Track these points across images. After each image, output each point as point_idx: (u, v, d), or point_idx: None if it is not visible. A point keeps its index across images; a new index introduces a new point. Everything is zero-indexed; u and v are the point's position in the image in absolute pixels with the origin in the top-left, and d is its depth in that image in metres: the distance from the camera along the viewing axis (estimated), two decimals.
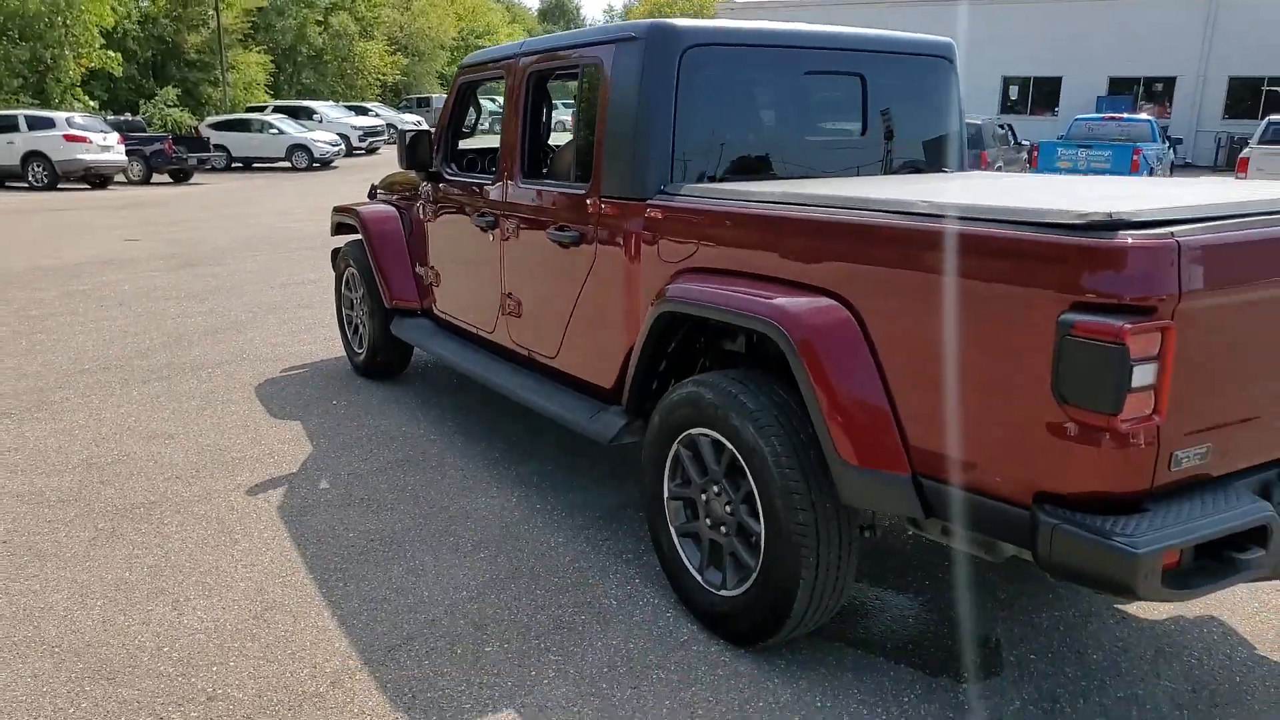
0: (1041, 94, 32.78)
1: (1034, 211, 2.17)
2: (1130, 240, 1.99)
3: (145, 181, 24.24)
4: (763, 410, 2.79)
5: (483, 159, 5.09)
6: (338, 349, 6.49)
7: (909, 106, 3.95)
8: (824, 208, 2.72)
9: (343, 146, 30.58)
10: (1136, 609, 3.30)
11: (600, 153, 3.55)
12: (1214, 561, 2.16)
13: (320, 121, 32.77)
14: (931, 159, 4.05)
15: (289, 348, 6.77)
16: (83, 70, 28.92)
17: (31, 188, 21.73)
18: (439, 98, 45.58)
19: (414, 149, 4.80)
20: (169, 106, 33.41)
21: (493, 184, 4.35)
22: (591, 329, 3.74)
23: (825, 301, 2.62)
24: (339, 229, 6.04)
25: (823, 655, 3.00)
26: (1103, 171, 18.28)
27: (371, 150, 34.23)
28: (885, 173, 3.90)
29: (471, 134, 5.13)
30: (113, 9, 29.03)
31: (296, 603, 3.29)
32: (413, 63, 51.58)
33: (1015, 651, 3.03)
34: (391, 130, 38.27)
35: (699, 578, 3.11)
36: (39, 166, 21.99)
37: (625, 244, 3.46)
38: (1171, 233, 2.02)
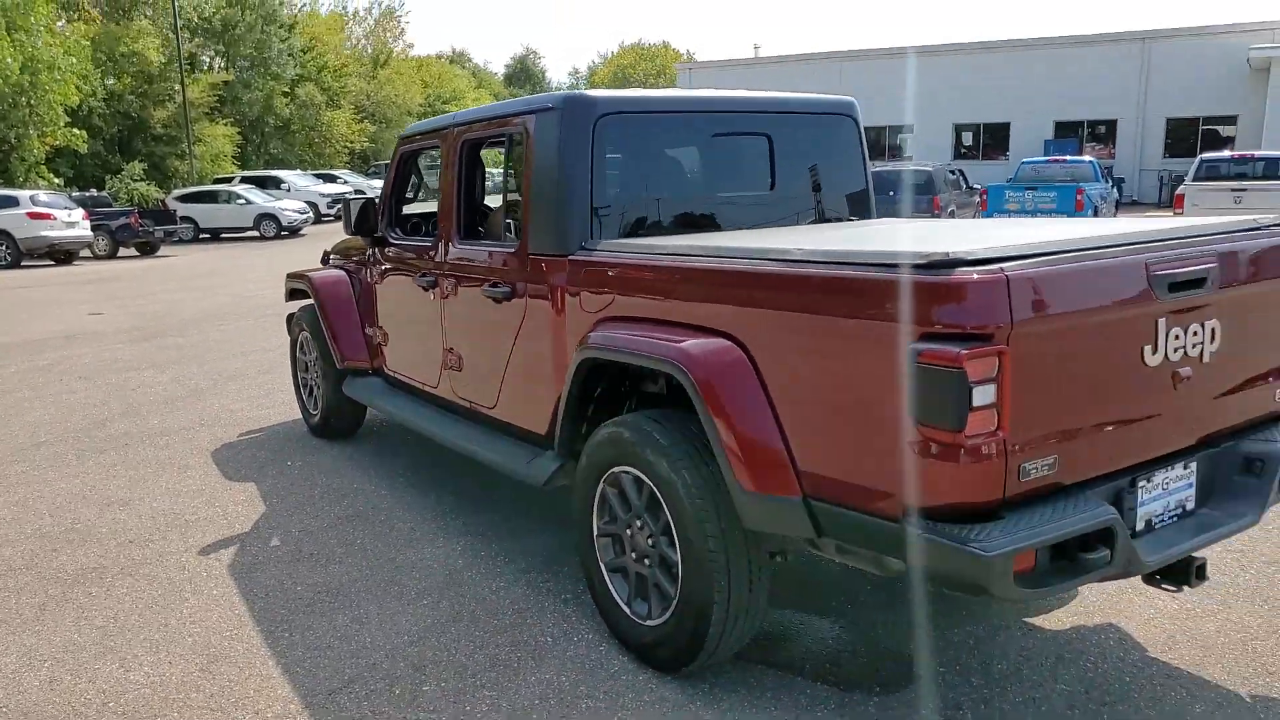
0: (993, 139, 33.74)
1: (887, 254, 2.41)
2: (965, 276, 2.23)
3: (112, 256, 24.34)
4: (674, 445, 2.98)
5: (425, 223, 5.32)
6: (295, 412, 6.64)
7: (815, 162, 4.23)
8: (716, 257, 2.95)
9: (311, 214, 30.89)
10: (1042, 621, 3.50)
11: (527, 213, 3.79)
12: (1066, 562, 2.37)
13: (288, 190, 33.11)
14: (839, 209, 4.32)
15: (248, 413, 6.91)
16: (47, 148, 29.12)
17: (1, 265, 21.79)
18: None
19: (358, 216, 5.02)
20: (135, 181, 33.65)
21: (432, 246, 4.58)
22: (525, 379, 3.94)
23: (720, 343, 2.84)
24: (293, 294, 6.22)
25: (744, 677, 3.16)
26: (1049, 212, 18.84)
27: (340, 216, 34.56)
28: (794, 224, 4.15)
29: (414, 200, 5.36)
30: (77, 87, 29.32)
31: (243, 654, 3.41)
32: (380, 129, 52.22)
33: (925, 666, 3.21)
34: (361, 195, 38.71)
35: (627, 610, 3.27)
36: (2, 244, 22.06)
37: (551, 297, 3.68)
38: (1002, 268, 2.25)
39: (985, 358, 2.21)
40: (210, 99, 38.57)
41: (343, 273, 5.81)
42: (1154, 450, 2.68)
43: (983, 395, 2.21)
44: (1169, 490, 2.73)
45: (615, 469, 3.23)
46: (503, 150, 4.33)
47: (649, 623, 3.17)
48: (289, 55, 43.67)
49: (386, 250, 5.15)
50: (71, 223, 22.80)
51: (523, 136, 3.84)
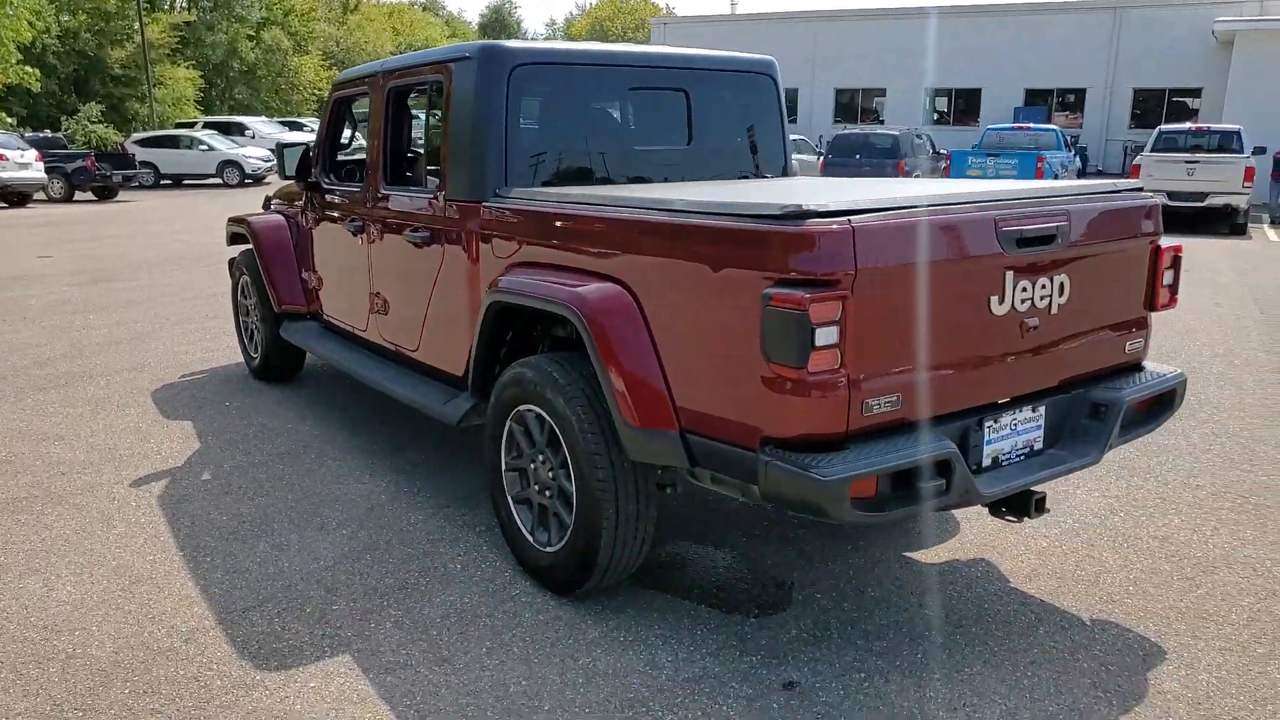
0: (966, 105, 33.91)
1: (750, 205, 2.59)
2: (814, 227, 2.42)
3: (67, 199, 23.99)
4: (571, 384, 3.17)
5: (359, 169, 5.43)
6: (239, 356, 6.75)
7: (732, 119, 4.39)
8: (607, 206, 3.12)
9: (273, 161, 30.54)
10: (920, 555, 3.76)
11: (445, 160, 3.93)
12: (905, 490, 2.60)
13: (252, 137, 32.62)
14: (754, 166, 4.49)
15: (191, 356, 7.01)
16: (2, 85, 28.51)
17: None
18: None
19: (291, 161, 5.12)
20: (93, 123, 32.99)
21: (360, 192, 4.70)
22: (444, 322, 4.10)
23: (611, 288, 3.02)
24: (234, 239, 6.31)
25: (634, 601, 3.39)
26: (1008, 178, 19.10)
27: None
28: (709, 178, 4.32)
29: (348, 146, 5.45)
30: (30, 24, 28.66)
31: (163, 576, 3.59)
32: None
33: (804, 592, 3.45)
34: None
35: (530, 538, 3.48)
36: None
37: (466, 243, 3.83)
38: (849, 220, 2.45)
39: (828, 302, 2.41)
40: (171, 40, 37.81)
41: (281, 218, 5.91)
42: (1001, 394, 2.92)
43: (825, 336, 2.41)
44: (1017, 431, 2.97)
45: (520, 407, 3.42)
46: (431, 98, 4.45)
47: (548, 549, 3.38)
48: None
49: (321, 196, 5.26)
50: (25, 164, 22.40)
51: (443, 85, 3.96)
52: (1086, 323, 3.10)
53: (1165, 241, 3.32)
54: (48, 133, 27.22)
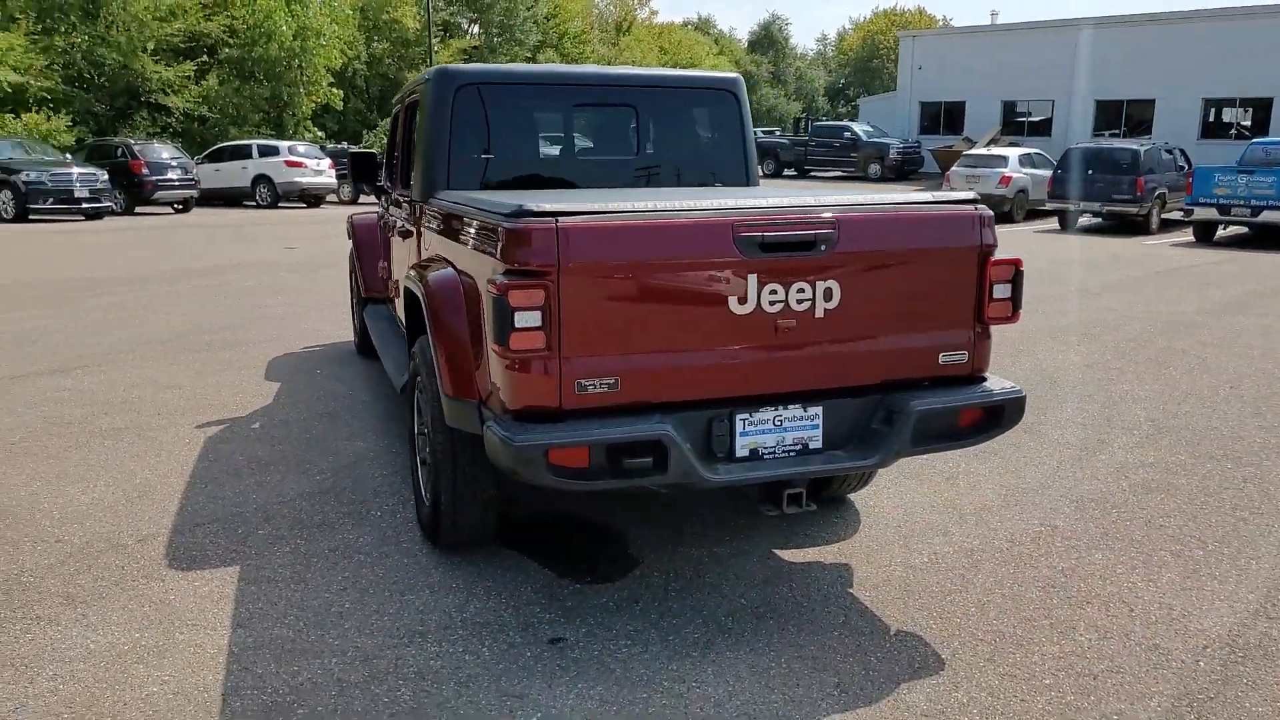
0: (1255, 117, 30.32)
1: (498, 205, 2.96)
2: (528, 224, 2.77)
3: (354, 201, 27.39)
4: (428, 361, 3.67)
5: None
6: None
7: (684, 133, 4.68)
8: (454, 204, 3.59)
9: None
10: (791, 554, 3.88)
11: (415, 166, 4.56)
12: (618, 465, 2.86)
13: None
14: (710, 176, 4.74)
15: (325, 332, 8.16)
16: (313, 105, 32.96)
17: (258, 205, 25.21)
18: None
19: (354, 166, 5.97)
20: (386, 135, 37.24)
21: (390, 193, 5.45)
22: None
23: (448, 275, 3.49)
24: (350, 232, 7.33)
25: (490, 556, 3.82)
26: (1266, 199, 17.11)
27: None
28: (654, 186, 4.63)
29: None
30: (342, 52, 32.94)
31: (159, 493, 4.47)
32: None
33: (646, 570, 3.72)
34: None
35: (421, 494, 4.01)
36: (264, 188, 25.51)
37: (417, 237, 4.43)
38: (555, 220, 2.76)
39: (529, 290, 2.74)
40: (459, 62, 41.79)
41: (376, 215, 6.83)
42: (753, 389, 3.06)
43: (525, 319, 2.75)
44: (783, 427, 3.11)
45: (417, 379, 3.96)
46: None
47: (426, 504, 3.90)
48: (533, 22, 46.33)
49: (385, 197, 6.08)
50: (319, 171, 25.96)
51: (418, 101, 4.59)
52: (876, 329, 3.16)
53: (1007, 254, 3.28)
54: (344, 145, 31.13)
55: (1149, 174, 18.97)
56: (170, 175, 22.75)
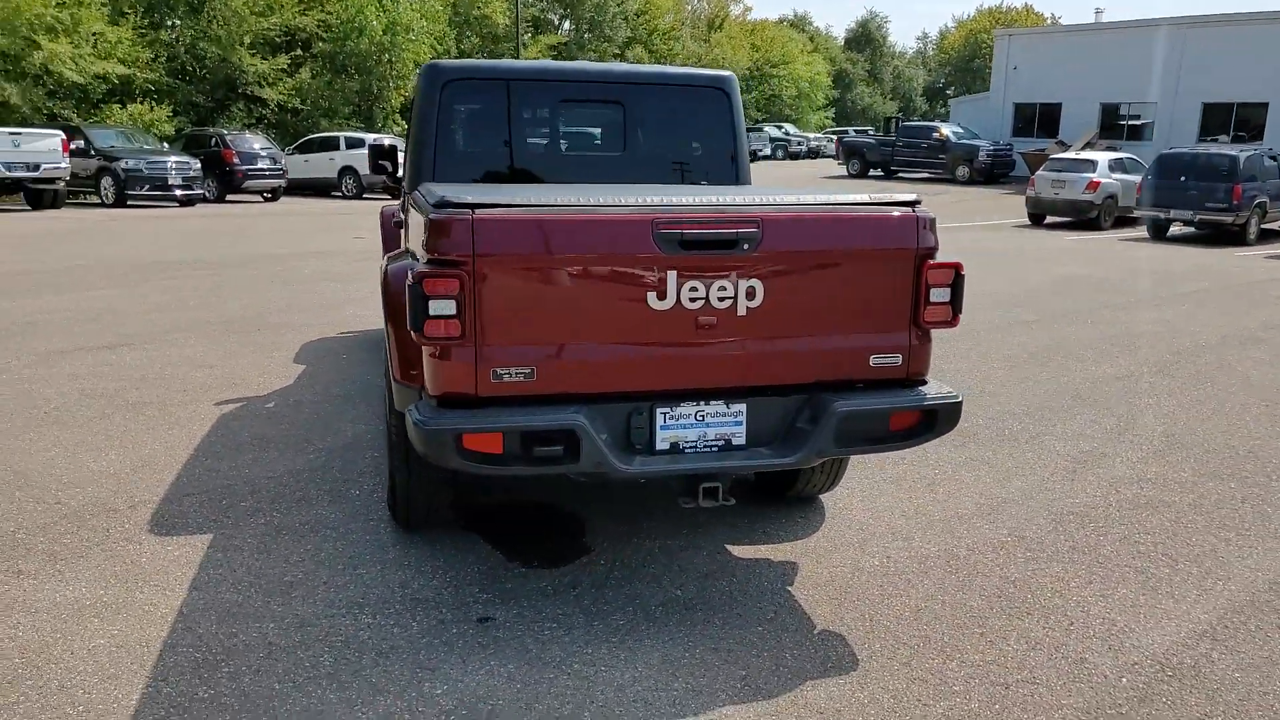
0: None
1: (433, 197, 3.06)
2: (446, 216, 2.88)
3: None
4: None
5: None
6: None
7: (672, 130, 4.73)
8: (417, 196, 3.72)
9: None
10: (742, 550, 3.92)
11: (406, 158, 4.72)
12: (530, 452, 2.95)
13: None
14: (699, 172, 4.78)
15: (365, 320, 8.46)
16: (401, 99, 33.79)
17: (344, 196, 26.02)
18: None
19: (373, 158, 6.18)
20: None
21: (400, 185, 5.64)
22: None
23: (403, 264, 3.62)
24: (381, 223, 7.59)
25: (449, 536, 3.95)
26: None
27: None
28: (639, 182, 4.69)
29: None
30: (431, 47, 33.71)
31: (164, 465, 4.74)
32: None
33: (595, 558, 3.80)
34: None
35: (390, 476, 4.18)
36: (350, 179, 26.31)
37: (406, 229, 4.60)
38: (471, 213, 2.86)
39: (442, 279, 2.85)
40: (547, 58, 42.33)
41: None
42: (676, 384, 3.10)
43: (440, 308, 2.86)
44: (705, 422, 3.15)
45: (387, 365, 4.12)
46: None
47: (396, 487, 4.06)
48: (623, 18, 46.60)
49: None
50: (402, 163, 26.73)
51: (414, 96, 4.75)
52: (802, 329, 3.17)
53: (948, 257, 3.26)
54: None
55: (1248, 181, 18.07)
56: (260, 165, 23.65)
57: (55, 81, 24.86)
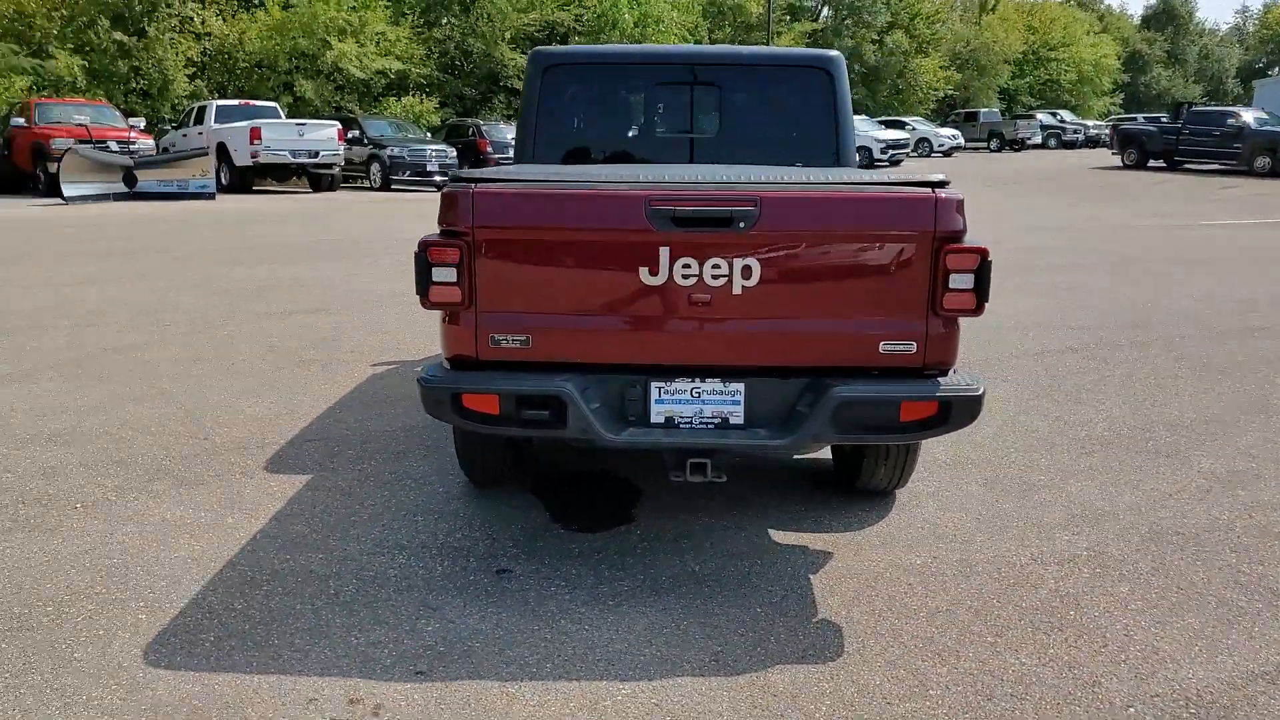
0: None
1: (458, 173, 3.27)
2: (452, 189, 3.09)
3: None
4: None
5: None
6: None
7: (769, 111, 4.68)
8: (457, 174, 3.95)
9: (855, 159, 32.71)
10: (780, 536, 3.88)
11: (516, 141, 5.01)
12: (522, 415, 3.11)
13: None
14: (795, 154, 4.70)
15: None
16: None
17: None
18: (987, 111, 45.21)
19: None
20: None
21: None
22: None
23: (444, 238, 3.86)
24: None
25: (510, 495, 4.20)
26: None
27: (894, 162, 35.64)
28: (729, 163, 4.68)
29: None
30: (683, 38, 34.45)
31: (304, 413, 5.33)
32: (972, 76, 51.48)
33: (638, 531, 3.92)
34: (924, 144, 39.43)
35: None
36: None
37: None
38: (471, 187, 3.05)
39: (446, 248, 3.06)
40: (802, 46, 41.92)
41: None
42: (672, 359, 3.14)
43: (442, 274, 3.07)
44: (701, 399, 3.16)
45: None
46: None
47: None
48: (884, 2, 45.19)
49: None
50: None
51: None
52: (803, 311, 3.09)
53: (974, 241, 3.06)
54: None
55: None
56: (511, 153, 25.34)
57: (344, 77, 27.83)
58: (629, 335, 3.15)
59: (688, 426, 3.20)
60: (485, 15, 30.60)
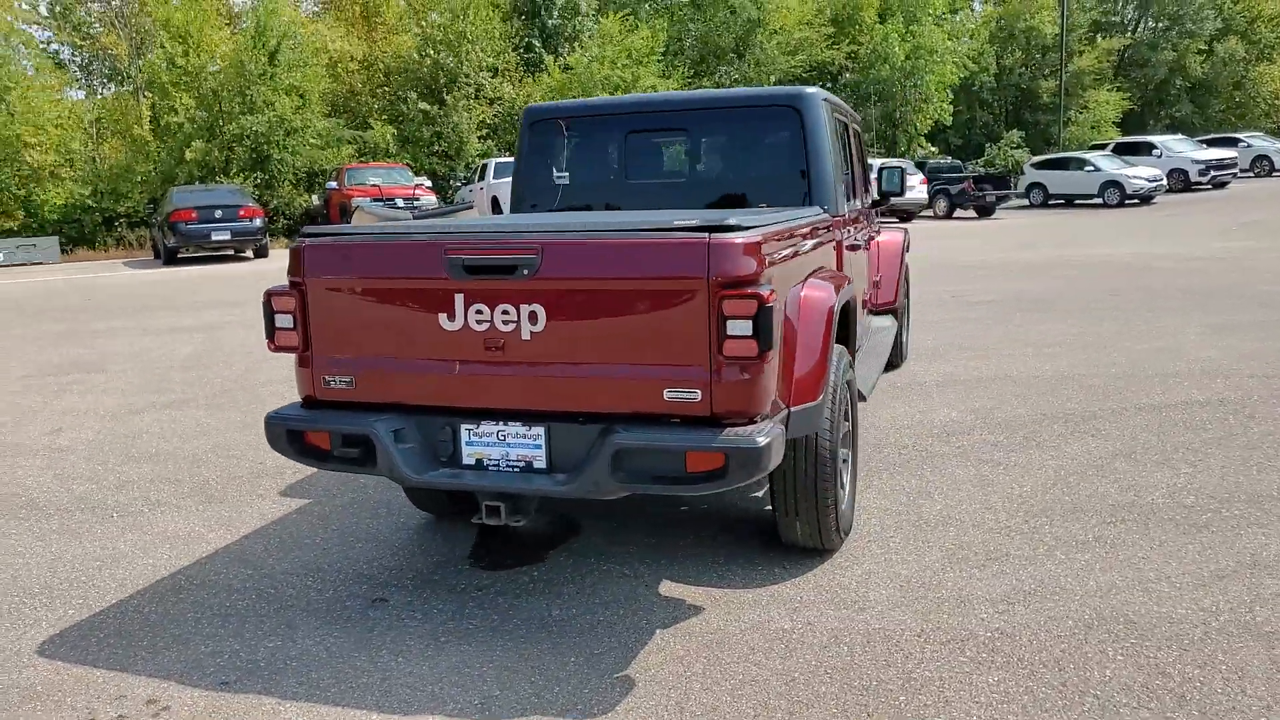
0: None
1: (306, 229, 3.57)
2: (296, 244, 3.39)
3: (947, 216, 27.57)
4: None
5: None
6: None
7: (738, 153, 4.54)
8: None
9: (1164, 182, 29.35)
10: (690, 590, 3.77)
11: None
12: (342, 452, 3.32)
13: (1158, 156, 31.73)
14: (763, 194, 4.52)
15: None
16: (929, 123, 33.61)
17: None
18: None
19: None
20: (1012, 148, 36.20)
21: None
22: None
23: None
24: None
25: (449, 524, 4.42)
26: None
27: (1218, 184, 31.62)
28: (705, 206, 4.59)
29: None
30: (963, 66, 32.96)
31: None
32: None
33: (545, 566, 3.98)
34: (1264, 162, 34.47)
35: None
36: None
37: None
38: (304, 241, 3.33)
39: (283, 297, 3.37)
40: (1104, 65, 38.50)
41: None
42: (480, 403, 3.20)
43: (282, 321, 3.38)
44: (507, 443, 3.20)
45: None
46: None
47: None
48: (1213, 8, 40.33)
49: None
50: (910, 187, 26.78)
51: None
52: (588, 357, 3.04)
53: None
54: (947, 159, 31.21)
55: None
56: None
57: None
58: (436, 379, 3.26)
59: (495, 469, 3.25)
60: (754, 61, 31.23)
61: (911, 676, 3.04)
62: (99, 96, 30.44)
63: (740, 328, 2.88)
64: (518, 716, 2.89)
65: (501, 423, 3.23)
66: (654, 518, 4.45)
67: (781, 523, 3.80)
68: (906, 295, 7.31)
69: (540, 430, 3.18)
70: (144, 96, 27.08)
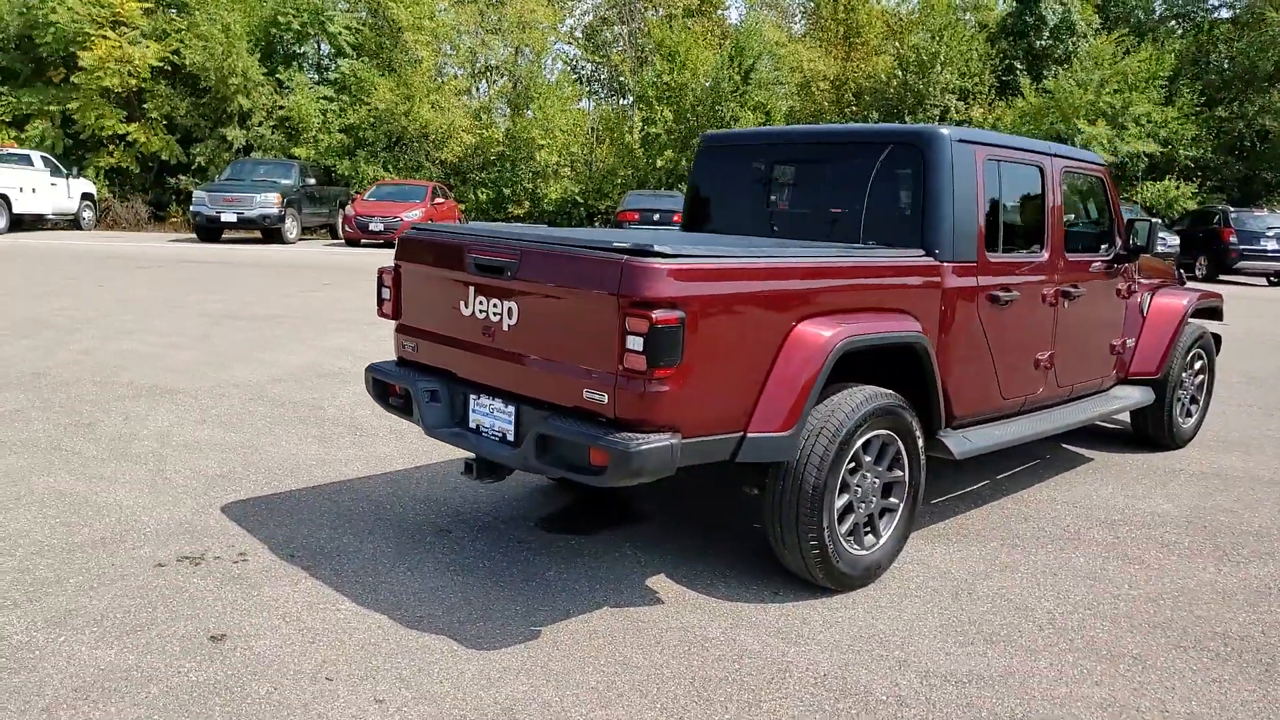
0: None
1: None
2: (407, 234, 4.29)
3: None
4: None
5: None
6: None
7: (859, 188, 4.49)
8: None
9: None
10: (651, 582, 4.05)
11: None
12: (395, 400, 4.15)
13: None
14: (874, 230, 4.42)
15: None
16: None
17: None
18: None
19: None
20: None
21: None
22: None
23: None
24: None
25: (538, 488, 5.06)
26: None
27: None
28: (823, 238, 4.60)
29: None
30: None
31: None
32: None
33: (594, 540, 4.48)
34: None
35: None
36: None
37: None
38: (410, 232, 4.18)
39: (386, 275, 4.28)
40: None
41: None
42: (477, 377, 3.82)
43: (385, 294, 4.29)
44: (493, 414, 3.78)
45: None
46: None
47: None
48: None
49: None
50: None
51: None
52: (539, 351, 3.51)
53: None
54: None
55: None
56: (1265, 245, 21.90)
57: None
58: (458, 353, 3.95)
59: (486, 435, 3.86)
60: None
61: None
62: (602, 106, 35.22)
63: (634, 343, 3.16)
64: (434, 633, 3.46)
65: (496, 398, 3.82)
66: (714, 526, 4.66)
67: (773, 547, 3.90)
68: (1189, 370, 6.33)
69: (512, 409, 3.72)
70: (637, 109, 30.82)
